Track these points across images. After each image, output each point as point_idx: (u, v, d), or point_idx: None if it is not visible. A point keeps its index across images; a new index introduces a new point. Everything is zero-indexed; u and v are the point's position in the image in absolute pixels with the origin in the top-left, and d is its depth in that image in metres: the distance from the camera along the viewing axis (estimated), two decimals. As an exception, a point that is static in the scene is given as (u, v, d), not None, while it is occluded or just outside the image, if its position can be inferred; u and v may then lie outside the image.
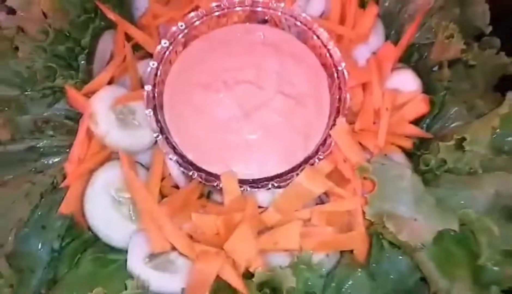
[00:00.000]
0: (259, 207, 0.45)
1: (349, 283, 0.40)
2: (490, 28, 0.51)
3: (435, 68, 0.50)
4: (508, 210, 0.38)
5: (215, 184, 0.45)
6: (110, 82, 0.49)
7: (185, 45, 0.52)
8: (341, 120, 0.46)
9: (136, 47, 0.53)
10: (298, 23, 0.51)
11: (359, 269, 0.40)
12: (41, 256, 0.39)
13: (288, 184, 0.45)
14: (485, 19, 0.51)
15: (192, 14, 0.51)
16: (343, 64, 0.49)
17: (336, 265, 0.41)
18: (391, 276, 0.40)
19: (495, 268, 0.36)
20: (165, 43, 0.50)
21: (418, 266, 0.39)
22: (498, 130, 0.41)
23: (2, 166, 0.43)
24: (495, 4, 0.55)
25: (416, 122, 0.47)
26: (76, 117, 0.47)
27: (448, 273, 0.37)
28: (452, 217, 0.36)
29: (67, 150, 0.45)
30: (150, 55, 0.52)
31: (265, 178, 0.46)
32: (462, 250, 0.38)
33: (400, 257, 0.40)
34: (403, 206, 0.37)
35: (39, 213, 0.40)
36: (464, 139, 0.40)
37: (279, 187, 0.46)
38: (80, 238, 0.42)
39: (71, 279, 0.39)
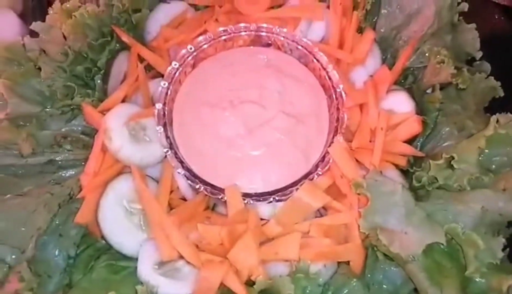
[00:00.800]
0: (261, 219, 0.48)
1: (345, 292, 0.42)
2: (480, 54, 0.54)
3: (429, 90, 0.53)
4: (493, 225, 0.41)
5: (220, 197, 0.48)
6: (123, 100, 0.53)
7: (193, 66, 0.55)
8: (338, 139, 0.49)
9: (148, 67, 0.56)
10: (300, 47, 0.55)
11: (355, 279, 0.43)
12: (57, 262, 0.42)
13: (288, 198, 0.48)
14: (475, 45, 0.54)
15: (201, 38, 0.54)
16: (341, 86, 0.52)
17: (333, 275, 0.44)
18: (385, 287, 0.43)
19: (482, 280, 0.39)
20: (175, 64, 0.53)
21: (410, 277, 0.41)
22: (485, 150, 0.43)
23: (23, 178, 0.46)
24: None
25: (410, 141, 0.50)
26: (91, 132, 0.50)
27: (437, 284, 0.40)
28: (439, 230, 0.38)
29: (83, 163, 0.48)
30: (161, 75, 0.55)
31: (267, 192, 0.49)
32: (451, 262, 0.40)
33: (394, 269, 0.43)
34: (394, 219, 0.40)
35: (57, 222, 0.43)
36: (453, 158, 0.43)
37: (280, 200, 0.48)
38: (94, 246, 0.45)
39: (85, 284, 0.42)
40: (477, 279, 0.39)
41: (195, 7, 0.60)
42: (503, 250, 0.43)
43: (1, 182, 0.45)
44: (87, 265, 0.43)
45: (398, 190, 0.41)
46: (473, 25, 0.54)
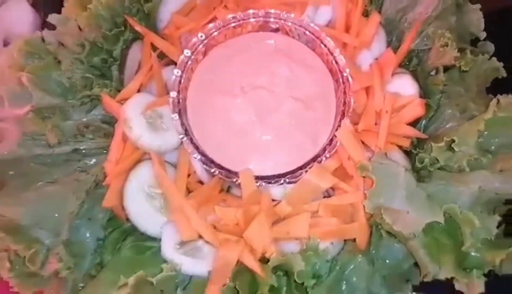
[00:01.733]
0: (273, 200, 0.51)
1: (351, 267, 0.46)
2: (484, 34, 0.56)
3: (433, 73, 0.55)
4: (490, 203, 0.44)
5: (234, 180, 0.51)
6: (139, 89, 0.55)
7: (205, 53, 0.57)
8: (345, 122, 0.52)
9: (161, 55, 0.58)
10: (307, 32, 0.56)
11: (360, 255, 0.46)
12: (89, 244, 0.46)
13: (298, 179, 0.51)
14: (479, 26, 0.55)
15: (211, 25, 0.56)
16: (347, 70, 0.54)
17: (340, 252, 0.47)
18: (388, 261, 0.46)
19: (477, 254, 0.42)
20: (187, 53, 0.55)
21: (412, 253, 0.45)
22: (484, 133, 0.46)
23: (52, 166, 0.49)
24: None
25: (413, 123, 0.52)
26: (111, 121, 0.53)
27: (436, 259, 0.43)
28: (438, 211, 0.41)
29: (105, 150, 0.51)
30: (173, 62, 0.58)
31: (278, 174, 0.52)
32: (449, 239, 0.43)
33: (396, 245, 0.46)
34: (397, 200, 0.43)
35: (86, 207, 0.47)
36: (453, 141, 0.45)
37: (290, 182, 0.51)
38: (120, 228, 0.49)
39: (115, 263, 0.46)
40: (472, 254, 0.42)
41: (204, -7, 0.61)
42: (498, 226, 0.46)
43: (33, 170, 0.48)
44: (115, 246, 0.47)
45: (401, 172, 0.44)
46: (478, 6, 0.55)
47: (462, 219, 0.41)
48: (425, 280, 0.43)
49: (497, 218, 0.43)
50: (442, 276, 0.42)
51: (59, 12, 0.69)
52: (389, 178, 0.44)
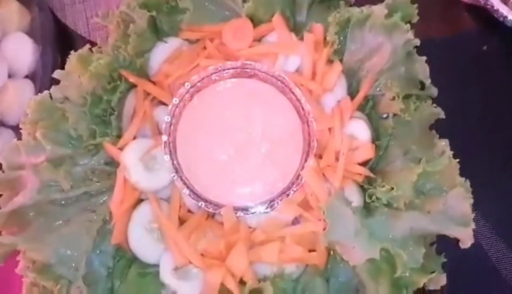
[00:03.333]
0: (250, 227, 0.62)
1: (311, 285, 0.58)
2: (429, 80, 0.65)
3: (384, 115, 0.65)
4: (417, 238, 0.55)
5: (218, 211, 0.62)
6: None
7: (190, 98, 0.67)
8: (309, 163, 0.62)
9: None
10: (278, 82, 0.66)
11: (318, 275, 0.59)
12: (101, 272, 0.57)
13: (271, 210, 0.62)
14: (425, 74, 0.65)
15: (195, 76, 0.65)
16: (311, 117, 0.64)
17: (302, 273, 0.59)
18: (340, 279, 0.58)
19: (407, 277, 0.54)
20: (175, 100, 0.65)
21: (357, 274, 0.57)
22: (419, 180, 0.57)
23: (65, 207, 0.59)
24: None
25: (365, 163, 0.63)
26: (113, 163, 0.63)
27: (376, 280, 0.55)
28: (377, 248, 0.53)
29: (110, 190, 0.61)
30: (164, 103, 0.67)
31: (253, 205, 0.63)
32: (387, 266, 0.55)
33: (347, 266, 0.58)
34: (346, 237, 0.54)
35: (97, 242, 0.58)
36: (392, 188, 0.56)
37: (264, 212, 0.63)
38: (126, 256, 0.59)
39: (123, 288, 0.57)
40: (403, 277, 0.54)
41: (189, 40, 0.69)
42: (431, 245, 0.59)
43: (50, 211, 0.58)
44: (122, 272, 0.58)
45: (350, 215, 0.55)
46: (424, 57, 0.64)
47: (395, 254, 0.53)
48: (366, 297, 0.56)
49: (423, 250, 0.55)
50: (380, 293, 0.55)
51: (56, 44, 0.77)
52: (340, 219, 0.55)
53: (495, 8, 0.79)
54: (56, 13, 0.87)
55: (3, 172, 0.60)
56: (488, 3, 0.80)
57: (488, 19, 0.82)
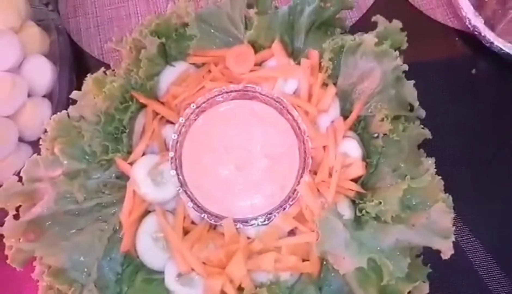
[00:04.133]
0: (249, 238, 0.67)
1: (305, 293, 0.62)
2: (417, 103, 0.70)
3: (375, 135, 0.70)
4: (403, 250, 0.60)
5: (219, 223, 0.67)
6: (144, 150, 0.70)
7: (195, 118, 0.72)
8: (304, 179, 0.67)
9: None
10: (277, 103, 0.71)
11: (312, 284, 0.63)
12: (111, 278, 0.62)
13: (269, 222, 0.67)
14: (413, 96, 0.70)
15: (200, 98, 0.71)
16: (307, 136, 0.69)
17: (297, 281, 0.64)
18: (332, 287, 0.63)
19: (393, 286, 0.59)
20: (182, 120, 0.70)
21: (347, 282, 0.61)
22: (405, 196, 0.61)
23: (79, 216, 0.64)
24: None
25: (357, 178, 0.68)
26: (123, 176, 0.68)
27: (364, 288, 0.59)
28: (365, 258, 0.57)
29: (120, 202, 0.66)
30: (171, 122, 0.72)
31: (253, 217, 0.68)
32: (375, 274, 0.59)
33: (339, 276, 0.62)
34: (337, 248, 0.59)
35: (107, 250, 0.63)
36: (380, 202, 0.61)
37: (263, 224, 0.67)
38: (134, 262, 0.64)
39: (131, 293, 0.62)
40: (389, 286, 0.58)
41: (195, 64, 0.75)
42: (417, 256, 0.63)
43: (65, 221, 0.63)
44: (130, 278, 0.63)
45: (340, 228, 0.60)
46: (412, 81, 0.69)
47: (382, 264, 0.57)
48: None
49: (408, 260, 0.59)
50: (368, 302, 0.59)
51: (72, 66, 0.84)
52: (331, 232, 0.59)
53: (482, 34, 0.85)
54: (72, 37, 0.93)
55: (22, 184, 0.65)
56: (476, 30, 0.86)
57: (477, 45, 0.88)
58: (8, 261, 0.60)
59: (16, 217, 0.62)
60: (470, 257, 0.75)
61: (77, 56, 0.91)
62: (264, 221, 0.67)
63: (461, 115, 0.86)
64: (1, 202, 0.62)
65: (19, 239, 0.61)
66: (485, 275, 0.75)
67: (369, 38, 0.68)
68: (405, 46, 0.72)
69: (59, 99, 0.83)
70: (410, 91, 0.70)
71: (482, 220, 0.79)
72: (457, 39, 0.93)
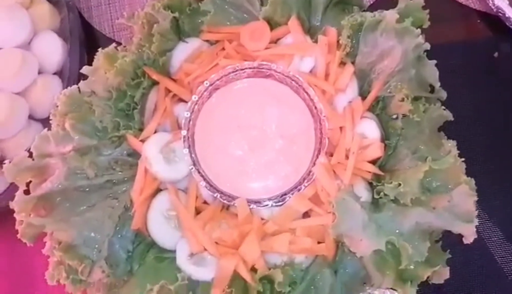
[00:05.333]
0: (262, 219, 0.65)
1: (319, 276, 0.61)
2: (438, 84, 0.68)
3: (394, 116, 0.68)
4: (423, 233, 0.58)
5: (232, 203, 0.66)
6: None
7: (209, 96, 0.70)
8: (320, 160, 0.65)
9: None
10: (292, 82, 0.69)
11: (327, 266, 0.61)
12: (121, 256, 0.61)
13: (283, 203, 0.65)
14: (435, 77, 0.67)
15: (213, 75, 0.69)
16: (323, 115, 0.67)
17: (311, 263, 0.62)
18: (347, 270, 0.61)
19: (411, 271, 0.57)
20: (195, 97, 0.68)
21: (364, 266, 0.60)
22: (425, 178, 0.59)
23: (90, 193, 0.63)
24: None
25: (375, 161, 0.66)
26: (135, 154, 0.67)
27: (382, 272, 0.57)
28: (383, 240, 0.55)
29: (131, 179, 0.65)
30: (183, 100, 0.71)
31: (267, 198, 0.66)
32: (393, 259, 0.57)
33: (355, 258, 0.61)
34: (354, 230, 0.57)
35: (118, 227, 0.62)
36: (400, 184, 0.59)
37: (277, 205, 0.66)
38: (145, 241, 0.63)
39: (142, 271, 0.61)
40: (408, 270, 0.56)
41: (209, 41, 0.73)
42: (436, 241, 0.61)
43: (75, 197, 0.62)
44: (141, 256, 0.62)
45: (358, 209, 0.58)
46: (434, 61, 0.67)
47: (401, 246, 0.55)
48: (372, 287, 0.58)
49: (428, 244, 0.57)
50: (384, 286, 0.57)
51: (83, 43, 0.82)
52: (348, 213, 0.57)
53: (506, 15, 0.81)
54: (83, 14, 0.91)
55: (33, 160, 0.64)
56: (500, 11, 0.82)
57: (500, 27, 0.84)
58: (18, 236, 0.59)
59: (27, 192, 0.61)
60: (488, 245, 0.73)
61: (87, 34, 0.89)
62: (278, 202, 0.65)
63: (482, 99, 0.83)
64: (11, 177, 0.61)
65: (30, 214, 0.60)
66: (500, 259, 0.73)
67: (391, 14, 0.65)
68: (426, 24, 0.69)
69: (70, 76, 0.82)
70: (431, 71, 0.67)
71: (499, 206, 0.77)
72: (479, 21, 0.89)
